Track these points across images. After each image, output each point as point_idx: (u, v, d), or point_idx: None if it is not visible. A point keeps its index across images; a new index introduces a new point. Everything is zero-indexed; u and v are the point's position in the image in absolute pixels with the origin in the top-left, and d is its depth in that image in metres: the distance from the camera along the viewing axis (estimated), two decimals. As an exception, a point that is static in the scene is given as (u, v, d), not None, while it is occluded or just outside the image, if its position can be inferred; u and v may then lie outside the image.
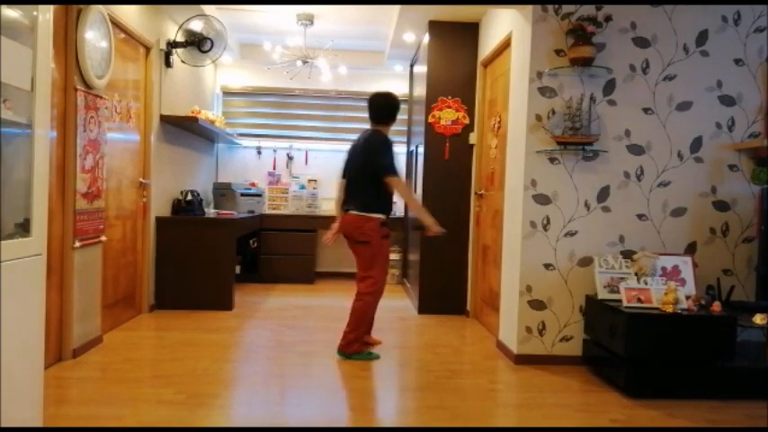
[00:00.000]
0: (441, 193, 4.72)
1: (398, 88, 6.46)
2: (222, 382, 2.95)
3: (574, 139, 3.26)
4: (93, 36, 3.27)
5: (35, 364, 2.01)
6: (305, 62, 5.63)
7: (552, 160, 3.36)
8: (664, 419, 2.63)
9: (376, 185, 3.35)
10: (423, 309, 4.73)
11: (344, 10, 5.01)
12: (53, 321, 3.06)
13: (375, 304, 3.51)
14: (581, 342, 3.38)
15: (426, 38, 4.84)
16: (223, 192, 5.58)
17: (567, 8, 3.31)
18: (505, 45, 3.87)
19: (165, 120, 4.53)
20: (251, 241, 5.97)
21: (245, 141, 6.48)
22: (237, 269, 5.37)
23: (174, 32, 4.61)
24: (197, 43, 4.61)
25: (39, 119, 1.98)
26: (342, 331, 3.50)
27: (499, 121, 4.06)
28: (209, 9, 4.75)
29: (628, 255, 3.32)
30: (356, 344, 3.43)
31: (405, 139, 6.42)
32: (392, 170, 3.33)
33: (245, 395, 2.79)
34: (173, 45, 4.56)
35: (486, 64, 4.48)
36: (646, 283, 3.06)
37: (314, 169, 6.56)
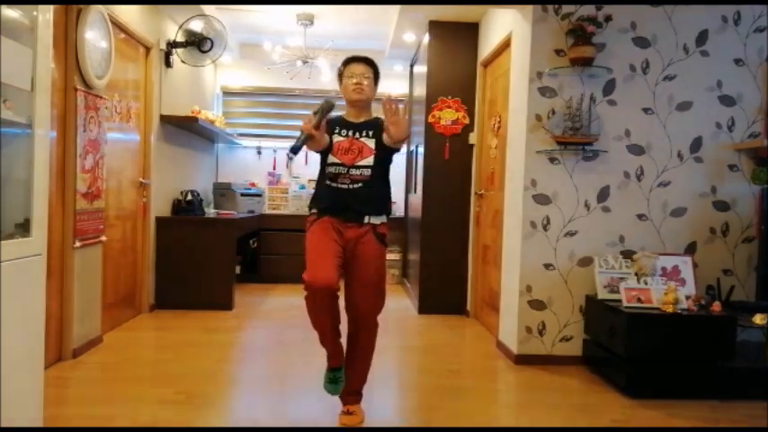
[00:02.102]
0: (441, 193, 4.72)
1: (398, 88, 6.46)
2: (222, 382, 2.95)
3: (574, 139, 3.26)
4: (93, 36, 3.27)
5: (35, 364, 2.01)
6: (305, 62, 5.63)
7: (552, 160, 3.35)
8: (664, 419, 2.63)
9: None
10: (423, 309, 4.73)
11: (344, 10, 5.00)
12: (53, 321, 3.05)
13: None
14: (581, 342, 3.38)
15: (426, 38, 4.84)
16: (223, 192, 5.58)
17: (567, 8, 3.31)
18: (505, 45, 3.87)
19: (165, 120, 4.53)
20: (251, 241, 5.97)
21: (245, 141, 6.48)
22: (237, 269, 5.37)
23: (174, 32, 4.61)
24: (197, 43, 4.61)
25: (39, 119, 1.98)
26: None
27: (499, 121, 4.06)
28: (209, 9, 4.75)
29: (628, 255, 3.32)
30: None
31: (405, 139, 6.41)
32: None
33: (245, 395, 2.79)
34: (173, 45, 4.56)
35: (486, 64, 4.48)
36: (646, 283, 3.06)
37: (314, 169, 6.52)
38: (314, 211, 2.59)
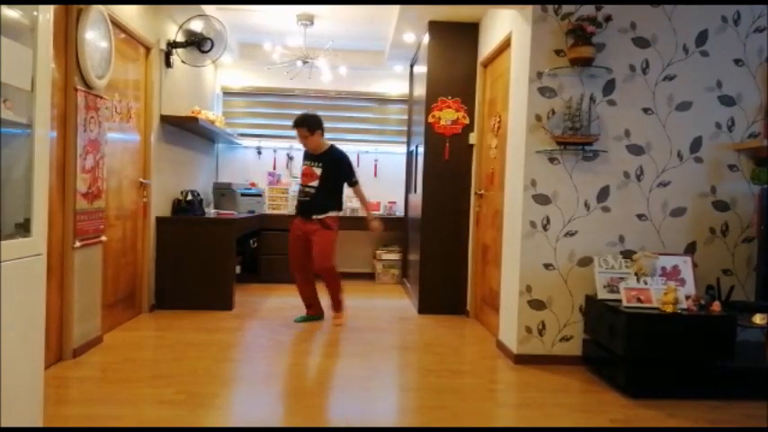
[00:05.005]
0: (441, 193, 4.72)
1: (398, 88, 6.47)
2: (222, 382, 2.95)
3: (574, 139, 3.26)
4: (94, 36, 3.27)
5: (35, 364, 2.01)
6: (305, 62, 5.63)
7: (552, 160, 3.36)
8: (664, 419, 2.63)
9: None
10: (423, 309, 4.73)
11: (344, 10, 5.01)
12: (53, 321, 3.06)
13: None
14: (581, 342, 3.38)
15: (426, 38, 4.84)
16: (223, 192, 5.58)
17: (566, 8, 3.31)
18: (505, 45, 3.87)
19: (165, 120, 4.53)
20: (251, 241, 5.97)
21: (245, 141, 6.48)
22: (237, 269, 5.37)
23: (174, 32, 4.61)
24: (197, 43, 4.60)
25: (39, 119, 1.98)
26: (339, 330, 3.51)
27: (499, 121, 4.06)
28: (209, 9, 4.75)
29: (628, 255, 3.32)
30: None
31: (405, 140, 6.42)
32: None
33: (245, 395, 2.79)
34: (173, 45, 4.56)
35: (486, 64, 4.48)
36: (645, 283, 3.06)
37: (314, 169, 6.54)
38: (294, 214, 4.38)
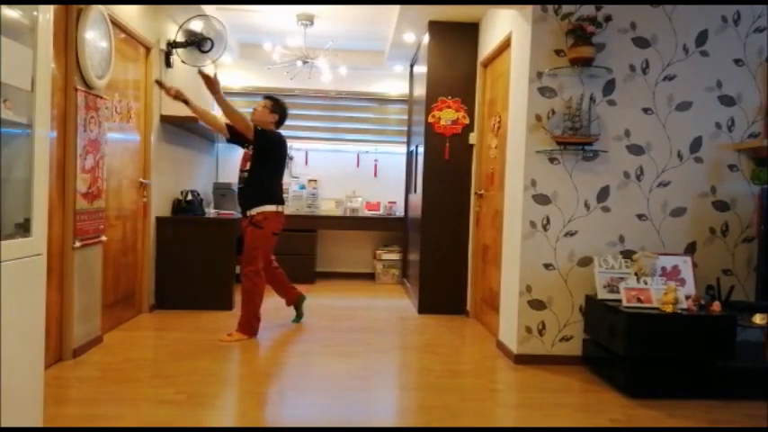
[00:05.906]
0: (441, 193, 4.72)
1: (398, 88, 6.46)
2: (222, 382, 2.95)
3: (574, 139, 3.26)
4: (94, 36, 3.27)
5: (35, 364, 2.01)
6: (305, 62, 5.63)
7: (552, 160, 3.36)
8: (664, 419, 2.63)
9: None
10: (423, 309, 4.73)
11: (344, 10, 5.00)
12: (53, 321, 3.05)
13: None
14: (581, 342, 3.38)
15: (426, 38, 4.84)
16: (223, 192, 5.58)
17: (566, 8, 3.31)
18: (505, 45, 3.87)
19: (165, 120, 4.53)
20: (251, 241, 5.96)
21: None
22: (237, 269, 5.36)
23: (174, 32, 4.60)
24: (197, 43, 4.60)
25: (39, 119, 1.98)
26: (339, 330, 3.56)
27: (499, 121, 4.07)
28: (209, 9, 4.75)
29: (628, 255, 3.32)
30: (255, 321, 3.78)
31: (405, 140, 6.42)
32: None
33: (244, 395, 2.79)
34: (173, 45, 4.56)
35: (486, 64, 4.48)
36: (645, 283, 3.06)
37: (314, 169, 6.55)
38: None
